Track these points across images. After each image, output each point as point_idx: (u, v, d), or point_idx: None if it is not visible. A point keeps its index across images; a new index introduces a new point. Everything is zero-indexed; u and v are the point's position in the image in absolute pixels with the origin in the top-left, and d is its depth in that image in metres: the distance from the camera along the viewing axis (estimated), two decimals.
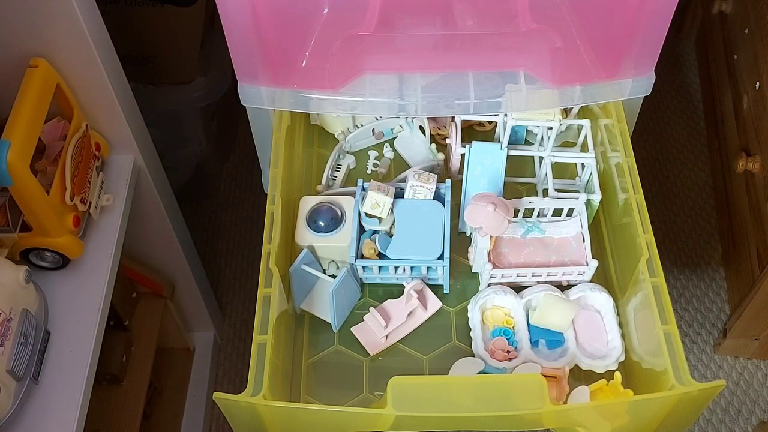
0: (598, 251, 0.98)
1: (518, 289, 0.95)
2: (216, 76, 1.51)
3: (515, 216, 0.98)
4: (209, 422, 1.52)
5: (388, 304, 0.97)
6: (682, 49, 2.09)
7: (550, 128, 1.02)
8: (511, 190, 1.06)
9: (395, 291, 0.98)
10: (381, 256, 0.95)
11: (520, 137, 1.10)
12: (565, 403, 0.86)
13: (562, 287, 0.96)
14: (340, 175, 1.09)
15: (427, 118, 1.09)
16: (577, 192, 1.00)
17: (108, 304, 1.02)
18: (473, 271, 1.00)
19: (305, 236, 0.96)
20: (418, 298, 0.95)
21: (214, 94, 1.52)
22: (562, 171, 1.07)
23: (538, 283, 0.96)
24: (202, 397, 1.51)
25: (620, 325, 0.93)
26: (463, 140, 1.04)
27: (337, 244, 0.96)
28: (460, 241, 1.01)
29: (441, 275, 0.96)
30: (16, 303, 0.90)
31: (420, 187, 0.97)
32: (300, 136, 1.10)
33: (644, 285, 0.87)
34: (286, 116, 1.02)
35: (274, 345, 0.84)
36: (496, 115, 1.04)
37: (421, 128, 1.11)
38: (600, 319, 0.94)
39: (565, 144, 1.11)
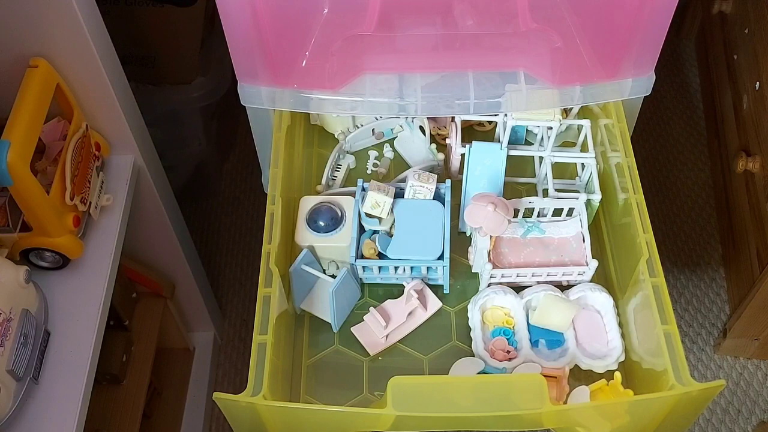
0: (598, 251, 0.98)
1: (518, 289, 0.95)
2: (216, 76, 1.51)
3: (515, 216, 0.98)
4: (209, 422, 1.52)
5: (388, 304, 0.97)
6: (682, 49, 2.09)
7: (550, 128, 1.02)
8: (511, 190, 1.06)
9: (395, 291, 0.98)
10: (381, 256, 0.95)
11: (520, 137, 1.10)
12: (565, 403, 0.86)
13: (562, 287, 0.96)
14: (340, 175, 1.09)
15: (427, 118, 1.09)
16: (577, 192, 1.00)
17: (108, 304, 1.02)
18: (473, 271, 1.00)
19: (305, 236, 0.96)
20: (418, 298, 0.95)
21: (214, 94, 1.52)
22: (562, 171, 1.07)
23: (538, 283, 0.96)
24: (202, 397, 1.51)
25: (620, 325, 0.93)
26: (463, 140, 1.04)
27: (337, 244, 0.96)
28: (460, 241, 1.01)
29: (441, 275, 0.96)
30: (16, 303, 0.90)
31: (420, 187, 0.97)
32: (300, 136, 1.09)
33: (644, 285, 0.87)
34: (286, 116, 1.02)
35: (274, 345, 0.84)
36: (496, 115, 1.04)
37: (421, 128, 1.11)
38: (600, 319, 0.94)
39: (565, 144, 1.11)
